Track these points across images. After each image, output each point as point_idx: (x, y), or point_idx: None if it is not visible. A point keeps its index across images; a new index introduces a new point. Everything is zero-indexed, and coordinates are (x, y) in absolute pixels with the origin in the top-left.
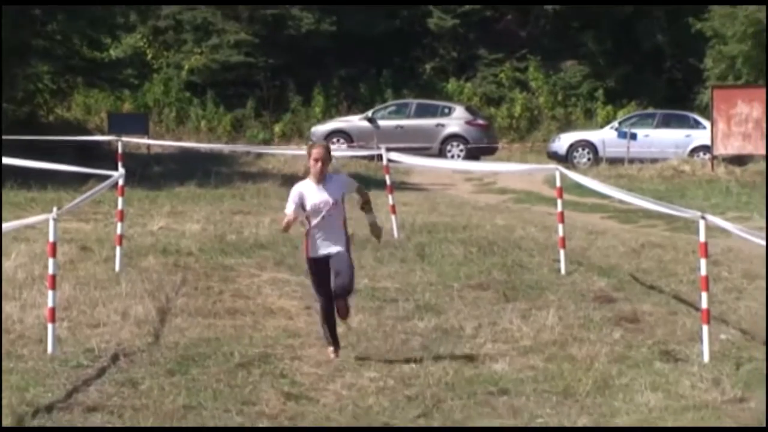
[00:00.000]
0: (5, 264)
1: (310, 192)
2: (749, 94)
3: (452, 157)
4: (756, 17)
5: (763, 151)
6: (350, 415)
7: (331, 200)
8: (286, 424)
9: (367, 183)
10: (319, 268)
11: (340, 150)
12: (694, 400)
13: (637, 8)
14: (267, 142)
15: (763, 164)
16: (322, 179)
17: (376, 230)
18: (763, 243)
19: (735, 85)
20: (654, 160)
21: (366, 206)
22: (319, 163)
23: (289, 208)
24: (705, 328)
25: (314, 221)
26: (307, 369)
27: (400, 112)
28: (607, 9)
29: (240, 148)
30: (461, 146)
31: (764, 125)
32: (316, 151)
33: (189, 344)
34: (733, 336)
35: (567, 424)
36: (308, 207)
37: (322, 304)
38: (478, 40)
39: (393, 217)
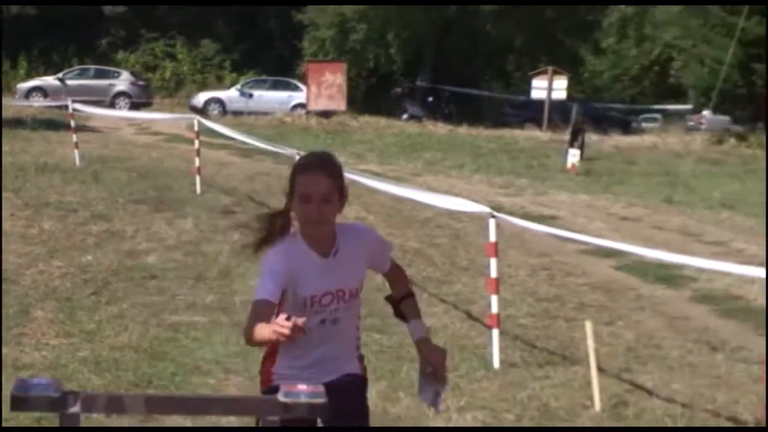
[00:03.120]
0: None
1: (308, 270)
2: (334, 67)
3: (119, 108)
4: (340, 10)
5: (343, 107)
6: (42, 292)
7: (347, 288)
8: None
9: (57, 125)
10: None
11: (37, 101)
12: None
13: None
14: None
15: (343, 117)
16: (332, 244)
17: (434, 354)
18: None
19: (324, 60)
20: (266, 113)
21: (405, 300)
22: (320, 207)
23: (265, 293)
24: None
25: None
26: (12, 259)
27: (82, 74)
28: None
29: None
30: (126, 100)
31: (344, 89)
32: (310, 179)
33: None
34: None
35: (198, 300)
36: (300, 300)
37: None
38: (140, 22)
39: (76, 151)
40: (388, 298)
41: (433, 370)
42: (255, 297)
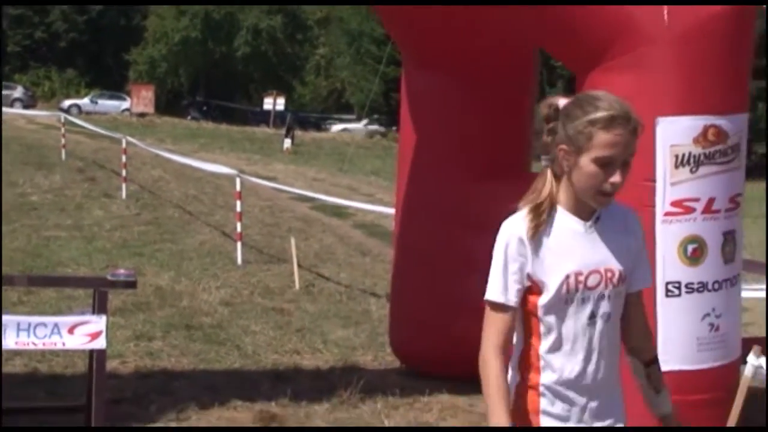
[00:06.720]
0: None
1: (565, 240)
2: (147, 87)
3: (16, 108)
4: (151, 55)
5: (152, 111)
6: None
7: (617, 268)
8: None
9: None
10: None
11: None
12: (119, 214)
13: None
14: None
15: (152, 117)
16: (593, 209)
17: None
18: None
19: (141, 83)
20: (105, 113)
21: (657, 365)
22: (623, 175)
23: (496, 291)
24: (123, 185)
25: (562, 326)
26: None
27: None
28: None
29: None
30: (20, 103)
31: (153, 101)
32: (619, 140)
33: None
34: (139, 189)
35: (62, 222)
36: (555, 285)
37: None
38: (29, 57)
39: None
40: (637, 353)
41: None
42: (487, 294)
